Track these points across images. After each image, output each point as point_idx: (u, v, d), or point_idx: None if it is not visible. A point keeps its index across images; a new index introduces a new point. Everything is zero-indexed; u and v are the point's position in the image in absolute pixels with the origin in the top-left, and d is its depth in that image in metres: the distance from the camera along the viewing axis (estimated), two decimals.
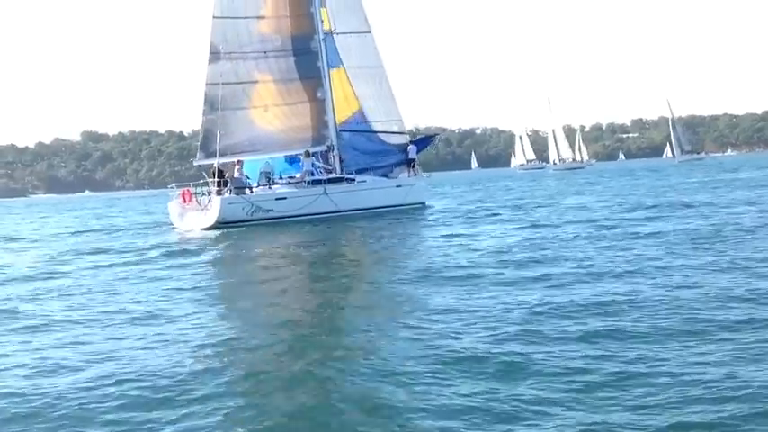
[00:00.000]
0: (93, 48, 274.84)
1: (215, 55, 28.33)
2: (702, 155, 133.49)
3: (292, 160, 30.25)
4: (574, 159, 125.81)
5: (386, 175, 30.46)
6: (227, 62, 28.50)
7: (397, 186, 29.95)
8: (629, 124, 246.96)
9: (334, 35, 30.06)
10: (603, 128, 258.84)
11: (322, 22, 29.87)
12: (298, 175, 28.35)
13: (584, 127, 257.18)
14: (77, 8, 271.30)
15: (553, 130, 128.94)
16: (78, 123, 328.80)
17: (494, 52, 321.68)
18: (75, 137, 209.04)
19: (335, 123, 29.83)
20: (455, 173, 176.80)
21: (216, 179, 26.28)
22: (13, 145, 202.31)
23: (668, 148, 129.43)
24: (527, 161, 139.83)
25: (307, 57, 29.53)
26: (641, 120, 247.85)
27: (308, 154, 28.41)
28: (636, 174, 69.80)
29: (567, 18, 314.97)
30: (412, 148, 31.59)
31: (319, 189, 27.19)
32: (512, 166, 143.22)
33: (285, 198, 26.78)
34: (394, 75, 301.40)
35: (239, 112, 28.55)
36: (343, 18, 30.38)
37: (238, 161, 27.72)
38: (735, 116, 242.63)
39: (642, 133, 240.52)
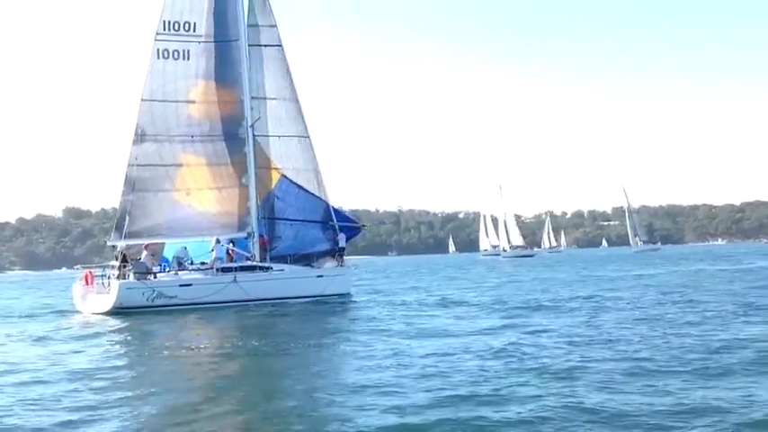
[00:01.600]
0: (82, 123, 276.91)
1: (140, 137, 28.32)
2: (658, 245, 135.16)
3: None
4: (525, 246, 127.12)
5: (310, 264, 30.03)
6: (152, 144, 28.48)
7: (318, 276, 29.46)
8: (609, 212, 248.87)
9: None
10: (585, 215, 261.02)
11: (252, 109, 30.00)
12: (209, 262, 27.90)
13: (566, 213, 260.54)
14: (63, 83, 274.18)
15: (504, 217, 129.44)
16: (62, 199, 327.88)
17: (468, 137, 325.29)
18: (57, 213, 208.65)
19: (258, 210, 29.64)
20: (431, 256, 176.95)
21: (118, 262, 25.84)
22: None
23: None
24: (491, 246, 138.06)
25: (234, 142, 29.53)
26: (622, 208, 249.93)
27: (217, 240, 28.06)
28: (578, 263, 71.06)
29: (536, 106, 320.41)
30: (341, 237, 31.30)
31: (229, 277, 26.75)
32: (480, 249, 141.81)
33: (190, 285, 26.28)
34: (373, 156, 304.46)
35: (160, 194, 28.33)
36: (284, 124, 30.72)
37: (147, 245, 27.32)
38: (713, 206, 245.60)
39: (622, 221, 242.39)
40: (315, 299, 28.25)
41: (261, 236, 29.83)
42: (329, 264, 30.62)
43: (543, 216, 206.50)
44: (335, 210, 31.47)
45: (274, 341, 17.16)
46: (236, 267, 27.34)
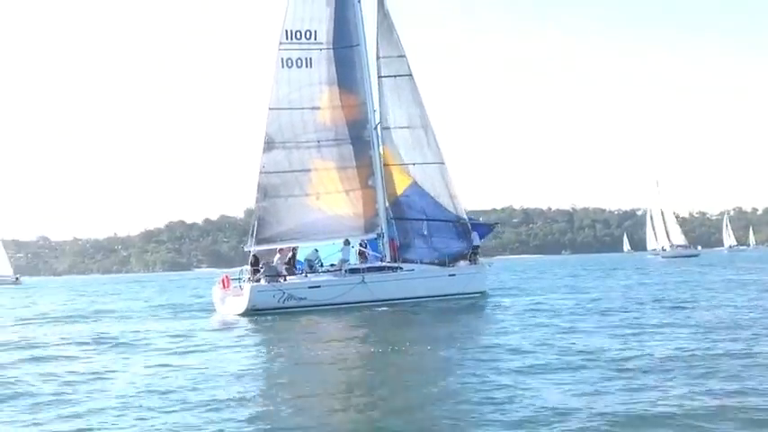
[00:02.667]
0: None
1: (269, 144, 29.19)
2: None
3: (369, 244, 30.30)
4: (687, 246, 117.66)
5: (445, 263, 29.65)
6: (280, 151, 29.31)
7: (450, 275, 29.15)
8: None
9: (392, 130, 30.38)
10: None
11: (374, 111, 30.22)
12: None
13: (757, 210, 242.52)
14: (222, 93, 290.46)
15: (662, 213, 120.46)
16: (243, 201, 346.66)
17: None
18: (239, 214, 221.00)
19: (386, 211, 29.79)
20: (601, 255, 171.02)
21: (250, 267, 26.81)
22: (182, 221, 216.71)
23: None
24: (671, 245, 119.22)
25: (359, 145, 29.85)
26: None
27: (346, 242, 28.47)
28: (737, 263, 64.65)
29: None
30: (475, 236, 30.83)
31: (357, 278, 27.03)
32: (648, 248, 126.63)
33: (319, 286, 26.81)
34: (545, 152, 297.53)
35: (291, 200, 29.07)
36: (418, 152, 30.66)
37: (280, 250, 28.13)
38: None
39: None
40: (447, 298, 28.06)
41: (392, 239, 29.96)
42: (462, 263, 30.20)
43: (730, 212, 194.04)
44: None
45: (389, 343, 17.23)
46: (363, 268, 27.61)
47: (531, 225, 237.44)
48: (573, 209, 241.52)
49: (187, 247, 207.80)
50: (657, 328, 17.51)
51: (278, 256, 27.99)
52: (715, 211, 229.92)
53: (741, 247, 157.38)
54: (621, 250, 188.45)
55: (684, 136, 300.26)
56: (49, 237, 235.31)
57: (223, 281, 28.26)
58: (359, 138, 29.91)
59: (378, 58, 30.47)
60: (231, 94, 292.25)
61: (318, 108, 29.76)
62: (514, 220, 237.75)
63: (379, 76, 30.41)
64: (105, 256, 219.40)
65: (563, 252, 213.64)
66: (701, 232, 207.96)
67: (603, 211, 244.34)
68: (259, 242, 28.52)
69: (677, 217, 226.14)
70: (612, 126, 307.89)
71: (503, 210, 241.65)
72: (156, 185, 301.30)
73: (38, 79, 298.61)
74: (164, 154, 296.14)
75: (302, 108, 29.64)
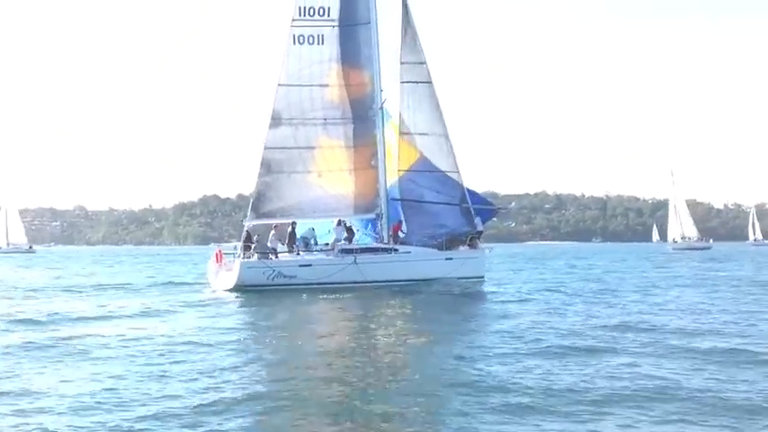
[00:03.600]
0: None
1: (276, 120, 29.34)
2: None
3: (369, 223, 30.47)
4: (700, 238, 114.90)
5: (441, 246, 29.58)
6: (287, 127, 29.45)
7: (447, 259, 29.10)
8: None
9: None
10: None
11: (381, 91, 30.18)
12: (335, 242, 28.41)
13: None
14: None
15: (675, 204, 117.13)
16: None
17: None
18: None
19: (388, 191, 29.83)
20: (631, 244, 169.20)
21: (242, 242, 27.07)
22: (216, 195, 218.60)
23: None
24: (683, 237, 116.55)
25: (364, 124, 29.88)
26: None
27: (339, 222, 28.53)
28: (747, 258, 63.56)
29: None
30: (478, 221, 30.71)
31: (349, 258, 27.13)
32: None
33: (310, 265, 26.98)
34: (579, 138, 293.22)
35: (294, 176, 29.26)
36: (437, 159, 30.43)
37: (275, 226, 28.31)
38: None
39: None
40: (443, 282, 28.04)
41: (399, 221, 30.02)
42: (462, 247, 30.10)
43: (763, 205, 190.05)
44: (470, 191, 30.89)
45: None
46: (357, 249, 27.69)
47: (563, 211, 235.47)
48: (607, 196, 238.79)
49: (219, 221, 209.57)
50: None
51: (273, 232, 28.18)
52: (750, 204, 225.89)
53: (766, 242, 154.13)
54: (651, 240, 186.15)
55: (722, 124, 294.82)
56: (86, 206, 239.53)
57: (216, 255, 28.52)
58: (364, 117, 29.93)
59: (401, 63, 30.52)
60: (269, 70, 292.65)
61: (327, 85, 29.83)
62: (547, 206, 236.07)
63: (401, 82, 30.46)
64: (138, 227, 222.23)
65: (593, 240, 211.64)
66: (734, 225, 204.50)
67: (638, 199, 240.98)
68: (259, 216, 28.88)
69: (712, 208, 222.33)
70: (648, 114, 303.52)
71: (536, 194, 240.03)
72: (193, 159, 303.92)
73: (80, 50, 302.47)
74: (202, 128, 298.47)
75: (311, 85, 29.72)
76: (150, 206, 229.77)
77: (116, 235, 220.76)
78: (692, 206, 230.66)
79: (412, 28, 30.60)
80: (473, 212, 30.53)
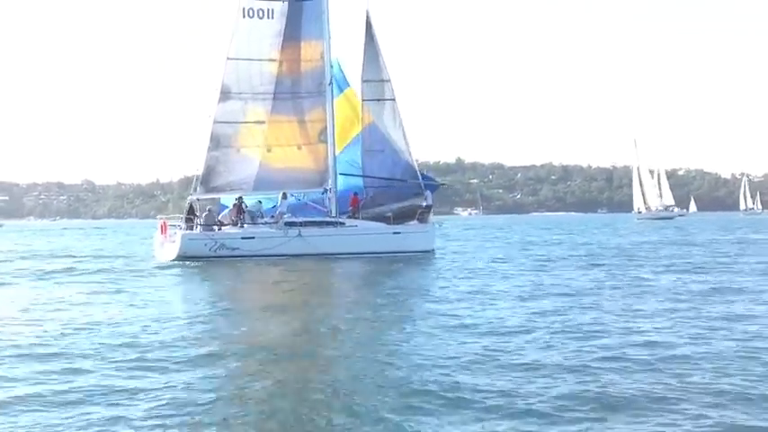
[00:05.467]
0: None
1: (225, 94, 29.37)
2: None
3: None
4: (666, 208, 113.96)
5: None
6: (236, 101, 29.49)
7: (395, 233, 29.22)
8: None
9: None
10: None
11: (331, 67, 30.18)
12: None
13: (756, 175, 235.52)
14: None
15: (639, 171, 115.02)
16: None
17: None
18: None
19: (335, 166, 30.00)
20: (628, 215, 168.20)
21: (185, 215, 27.38)
22: None
23: None
24: (663, 207, 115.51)
25: (314, 99, 29.88)
26: None
27: (284, 195, 28.68)
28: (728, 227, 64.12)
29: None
30: (428, 195, 30.80)
31: (294, 231, 27.35)
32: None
33: (253, 237, 27.25)
34: (587, 108, 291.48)
35: (243, 150, 29.39)
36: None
37: (209, 208, 28.90)
38: None
39: None
40: (391, 255, 28.12)
41: (355, 193, 30.16)
42: (412, 222, 30.19)
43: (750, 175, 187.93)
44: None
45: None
46: (301, 222, 27.91)
47: (569, 182, 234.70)
48: (613, 167, 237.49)
49: None
50: None
51: (206, 213, 28.50)
52: (759, 173, 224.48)
53: (757, 210, 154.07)
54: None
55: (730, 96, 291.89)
56: (94, 181, 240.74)
57: (161, 227, 28.82)
58: (314, 92, 29.92)
59: (362, 81, 30.57)
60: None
61: (277, 60, 29.76)
62: (553, 177, 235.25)
63: (363, 100, 30.50)
64: (144, 201, 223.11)
65: (599, 210, 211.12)
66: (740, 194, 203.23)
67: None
68: (208, 191, 29.13)
69: (719, 178, 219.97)
70: (651, 84, 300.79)
71: (542, 166, 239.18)
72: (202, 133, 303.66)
73: (85, 24, 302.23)
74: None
75: (261, 59, 29.69)
76: (158, 180, 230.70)
77: (122, 209, 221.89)
78: (700, 176, 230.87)
79: (375, 44, 30.61)
80: (423, 186, 30.75)
